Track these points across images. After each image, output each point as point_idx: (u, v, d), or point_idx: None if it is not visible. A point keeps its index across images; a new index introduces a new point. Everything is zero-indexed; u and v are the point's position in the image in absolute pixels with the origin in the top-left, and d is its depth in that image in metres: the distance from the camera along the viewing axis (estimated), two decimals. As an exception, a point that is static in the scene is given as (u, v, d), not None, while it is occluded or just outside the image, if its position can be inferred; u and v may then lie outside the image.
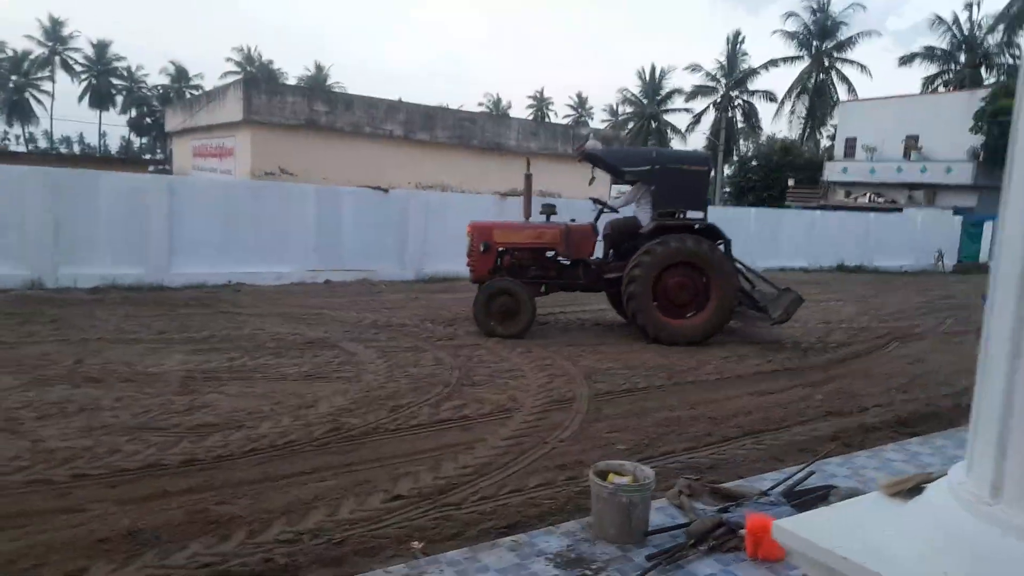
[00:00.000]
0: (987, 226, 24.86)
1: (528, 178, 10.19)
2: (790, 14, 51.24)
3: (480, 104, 78.74)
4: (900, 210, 31.26)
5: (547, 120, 67.68)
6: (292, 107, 17.25)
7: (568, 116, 77.59)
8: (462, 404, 6.10)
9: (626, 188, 12.26)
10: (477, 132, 20.63)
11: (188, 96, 53.59)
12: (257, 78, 46.06)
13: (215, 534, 3.73)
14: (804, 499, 3.79)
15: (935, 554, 1.53)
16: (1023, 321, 1.49)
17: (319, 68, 71.86)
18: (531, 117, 70.85)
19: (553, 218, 9.72)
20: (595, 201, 10.16)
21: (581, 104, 78.39)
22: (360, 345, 8.24)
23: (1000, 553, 1.44)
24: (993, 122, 30.35)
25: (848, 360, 8.52)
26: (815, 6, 50.03)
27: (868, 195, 38.74)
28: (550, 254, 9.65)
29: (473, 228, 9.55)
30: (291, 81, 63.91)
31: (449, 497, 4.27)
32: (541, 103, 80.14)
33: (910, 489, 1.90)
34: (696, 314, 9.13)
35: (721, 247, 9.24)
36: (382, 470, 4.66)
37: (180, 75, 72.24)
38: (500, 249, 9.45)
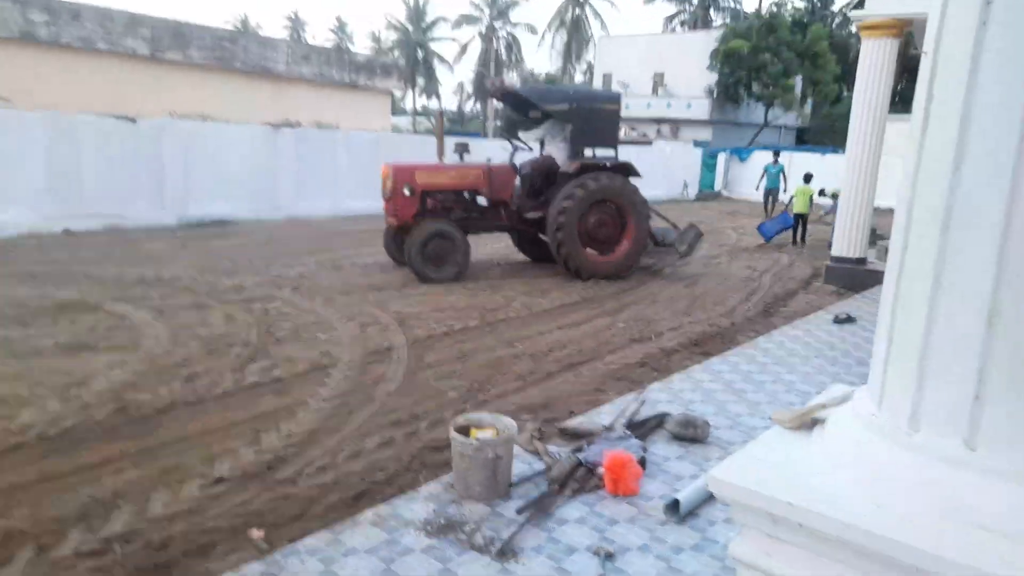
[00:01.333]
0: (721, 157, 28.31)
1: (440, 116, 10.20)
2: (547, -58, 52.83)
3: (227, 23, 71.06)
4: (650, 143, 34.42)
5: (303, 43, 63.15)
6: (-1, 15, 13.92)
7: (328, 41, 73.13)
8: (270, 365, 5.54)
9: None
10: (239, 54, 18.38)
11: None
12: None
13: (-10, 559, 3.00)
14: (644, 428, 4.00)
15: (867, 488, 1.61)
16: (943, 256, 1.57)
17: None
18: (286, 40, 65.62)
19: (467, 157, 9.49)
20: (509, 140, 9.91)
21: (342, 29, 74.18)
22: (128, 306, 7.10)
23: (928, 480, 1.55)
24: (725, 61, 34.21)
25: (634, 288, 9.20)
26: (570, -65, 51.98)
27: (624, 129, 41.99)
28: (467, 194, 9.33)
29: (394, 170, 8.90)
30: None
31: (280, 472, 3.86)
32: (296, 26, 74.40)
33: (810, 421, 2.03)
34: (613, 250, 9.38)
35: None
36: (192, 451, 4.08)
37: None
38: (422, 192, 8.97)
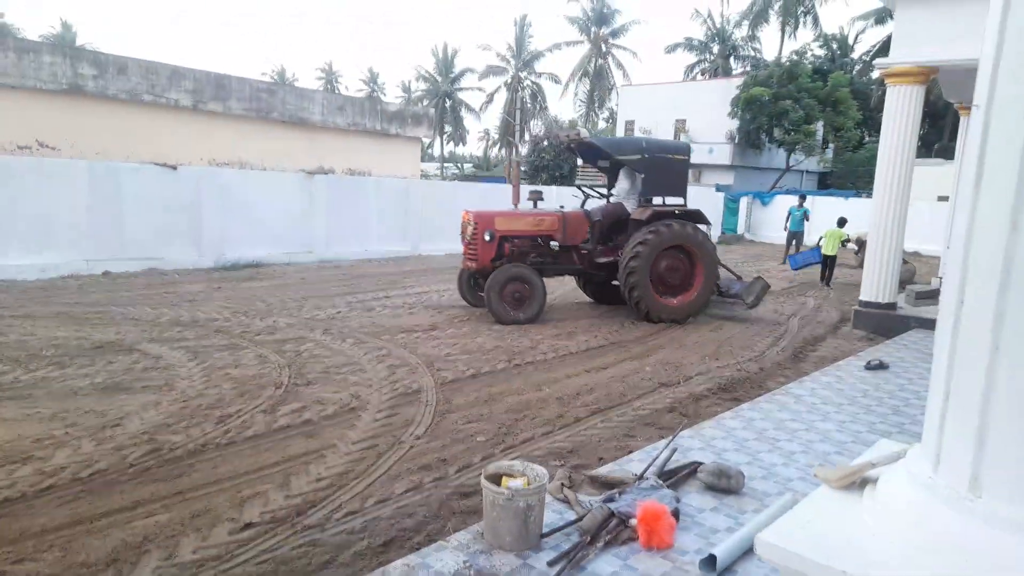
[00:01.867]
0: (743, 201, 28.29)
1: (517, 165, 10.86)
2: (571, -1, 54.37)
3: (263, 74, 73.76)
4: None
5: (337, 93, 65.00)
6: (50, 69, 14.54)
7: (360, 91, 75.30)
8: (301, 407, 5.57)
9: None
10: (277, 104, 19.01)
11: None
12: (-11, 31, 38.69)
13: (21, 604, 3.01)
14: (676, 477, 3.93)
15: (927, 556, 1.54)
16: (1003, 316, 1.52)
17: (65, 26, 62.08)
18: (321, 91, 67.61)
19: (540, 204, 9.99)
20: (581, 188, 10.58)
21: (373, 80, 76.35)
22: (164, 347, 7.24)
23: (993, 549, 1.47)
24: (746, 108, 34.49)
25: (661, 331, 9.14)
26: (591, -8, 53.45)
27: (647, 174, 42.25)
28: (541, 239, 9.79)
29: (475, 216, 9.42)
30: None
31: (309, 518, 3.85)
32: (330, 76, 76.78)
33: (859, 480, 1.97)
34: (683, 294, 9.72)
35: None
36: (222, 494, 4.09)
37: None
38: (501, 237, 9.43)
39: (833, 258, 13.96)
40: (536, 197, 10.00)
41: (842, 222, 14.35)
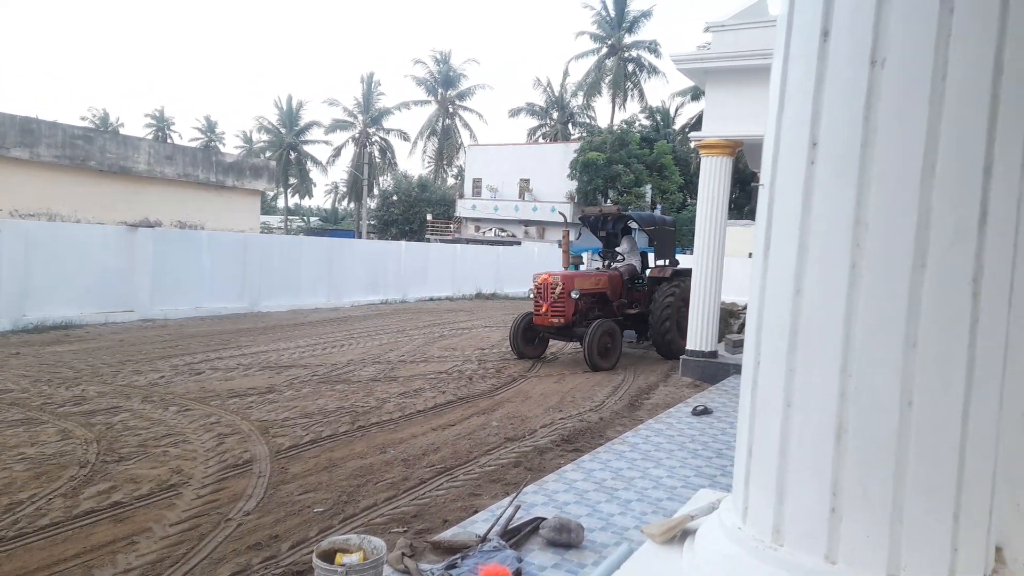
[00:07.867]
0: (585, 256, 29.92)
1: (566, 235, 12.84)
2: (417, 60, 55.68)
3: (83, 119, 68.02)
4: (519, 243, 35.89)
5: (170, 142, 61.23)
6: None
7: (196, 140, 71.56)
8: (110, 487, 4.98)
9: None
10: (95, 152, 17.39)
11: None
12: None
13: None
14: (519, 536, 3.91)
15: None
16: (792, 374, 1.67)
17: None
18: (150, 138, 63.49)
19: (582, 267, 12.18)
20: (603, 256, 12.90)
21: (211, 128, 72.91)
22: (-60, 425, 6.23)
23: None
24: (583, 171, 36.88)
25: (508, 384, 9.25)
26: (438, 56, 55.17)
27: (493, 230, 43.58)
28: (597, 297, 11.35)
29: (564, 278, 10.92)
30: None
31: (114, 615, 3.40)
32: (161, 124, 72.35)
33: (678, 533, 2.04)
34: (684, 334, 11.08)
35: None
36: (5, 598, 3.52)
37: None
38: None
39: None
40: (578, 261, 12.14)
41: None
